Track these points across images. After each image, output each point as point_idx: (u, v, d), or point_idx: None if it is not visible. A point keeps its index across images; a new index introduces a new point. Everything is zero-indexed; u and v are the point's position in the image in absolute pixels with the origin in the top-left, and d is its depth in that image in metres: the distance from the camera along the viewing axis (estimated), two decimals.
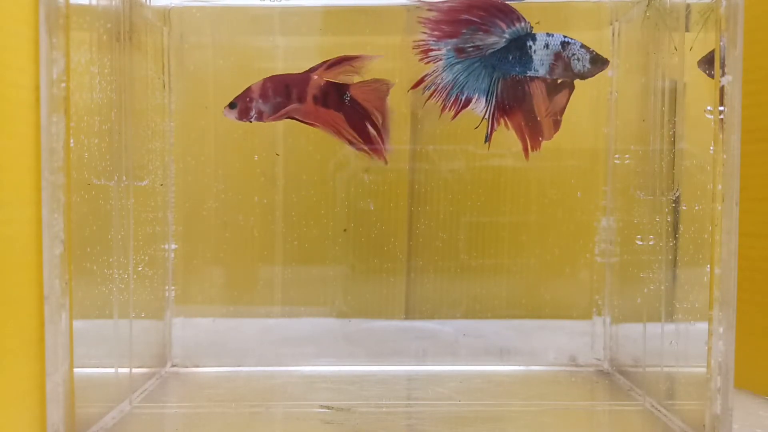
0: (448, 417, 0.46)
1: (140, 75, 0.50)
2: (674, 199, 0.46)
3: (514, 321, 0.59)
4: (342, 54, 0.50)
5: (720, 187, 0.39)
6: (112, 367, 0.47)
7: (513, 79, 0.48)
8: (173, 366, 0.57)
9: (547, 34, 0.48)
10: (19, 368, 0.38)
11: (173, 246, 0.57)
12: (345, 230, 0.56)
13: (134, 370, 0.49)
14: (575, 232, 0.58)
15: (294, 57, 0.57)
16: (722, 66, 0.39)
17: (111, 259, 0.46)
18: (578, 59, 0.49)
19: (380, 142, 0.48)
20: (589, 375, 0.56)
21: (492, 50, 0.47)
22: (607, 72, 0.56)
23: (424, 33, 0.48)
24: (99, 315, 0.45)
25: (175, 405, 0.49)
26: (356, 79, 0.48)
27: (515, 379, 0.55)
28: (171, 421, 0.45)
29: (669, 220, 0.46)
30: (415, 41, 0.48)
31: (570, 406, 0.49)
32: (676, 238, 0.46)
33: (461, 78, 0.48)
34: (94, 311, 0.45)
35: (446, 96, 0.49)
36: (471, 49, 0.47)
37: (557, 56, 0.48)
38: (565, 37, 0.49)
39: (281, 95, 0.47)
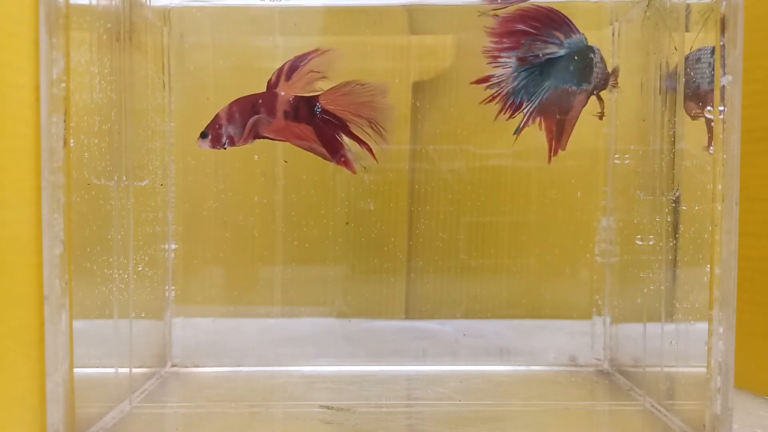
0: (448, 417, 0.46)
1: (140, 75, 0.50)
2: (674, 199, 0.46)
3: (514, 321, 0.59)
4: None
5: (720, 187, 0.39)
6: (112, 367, 0.47)
7: (565, 88, 0.48)
8: (173, 366, 0.57)
9: (594, 46, 0.49)
10: (19, 368, 0.38)
11: (173, 246, 0.57)
12: (347, 223, 0.56)
13: (134, 370, 0.49)
14: (575, 232, 0.58)
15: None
16: (722, 66, 0.39)
17: (111, 259, 0.46)
18: (603, 71, 0.49)
19: (347, 155, 0.46)
20: (589, 375, 0.56)
21: (550, 59, 0.47)
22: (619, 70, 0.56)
23: (492, 44, 0.47)
24: (99, 315, 0.45)
25: (175, 405, 0.49)
26: (326, 84, 0.46)
27: (515, 379, 0.55)
28: (171, 421, 0.45)
29: (669, 220, 0.46)
30: (484, 47, 0.47)
31: (570, 406, 0.49)
32: (676, 238, 0.46)
33: (521, 84, 0.48)
34: (94, 311, 0.45)
35: (508, 101, 0.48)
36: (531, 57, 0.47)
37: (604, 69, 0.49)
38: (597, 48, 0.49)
39: (249, 116, 0.46)
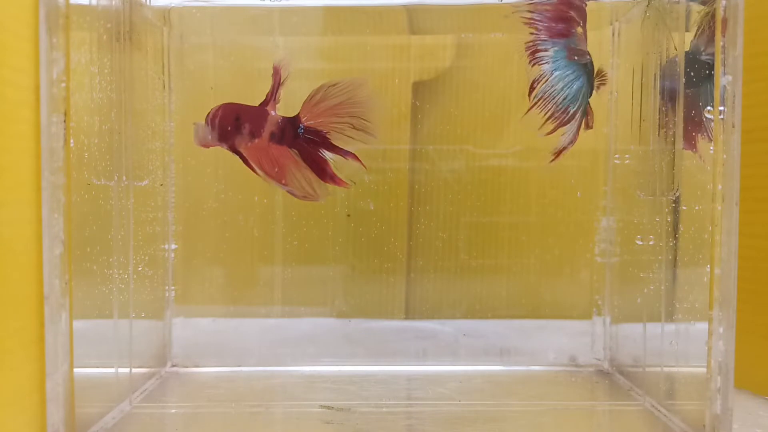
0: (448, 417, 0.46)
1: (140, 75, 0.50)
2: (674, 199, 0.46)
3: (514, 321, 0.59)
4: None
5: (720, 187, 0.39)
6: (112, 367, 0.47)
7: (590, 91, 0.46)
8: (173, 366, 0.57)
9: None
10: (19, 368, 0.37)
11: (173, 246, 0.57)
12: (348, 215, 0.56)
13: (134, 370, 0.49)
14: (575, 232, 0.58)
15: (294, 57, 0.57)
16: (723, 65, 0.39)
17: (111, 259, 0.46)
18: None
19: (334, 172, 0.43)
20: (589, 375, 0.56)
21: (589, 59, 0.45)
22: (608, 72, 0.56)
23: (533, 33, 0.44)
24: (99, 315, 0.45)
25: (175, 405, 0.49)
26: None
27: (515, 379, 0.55)
28: (171, 421, 0.45)
29: (669, 220, 0.46)
30: (526, 42, 0.44)
31: (570, 406, 0.49)
32: (676, 238, 0.46)
33: (568, 86, 0.44)
34: (94, 311, 0.45)
35: (554, 106, 0.44)
36: (581, 51, 0.44)
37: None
38: None
39: (231, 124, 0.44)
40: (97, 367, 0.46)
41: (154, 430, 0.44)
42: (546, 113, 0.44)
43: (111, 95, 0.45)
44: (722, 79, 0.39)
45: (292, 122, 0.44)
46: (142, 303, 0.52)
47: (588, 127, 0.47)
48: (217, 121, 0.44)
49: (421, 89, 0.58)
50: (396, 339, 0.58)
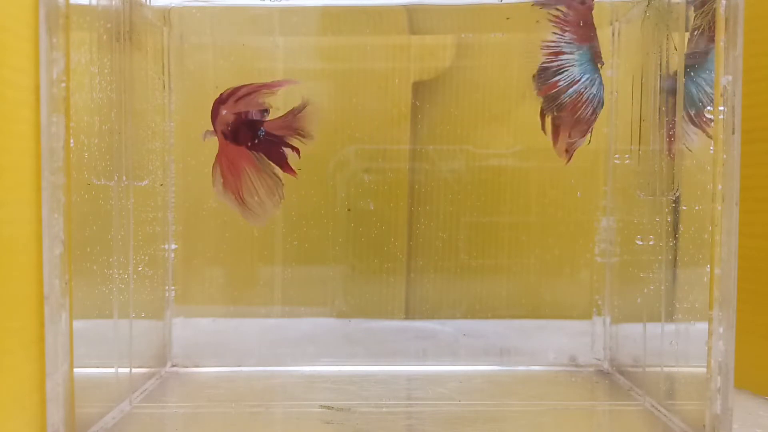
0: (448, 417, 0.46)
1: (140, 75, 0.50)
2: (674, 199, 0.46)
3: (514, 321, 0.59)
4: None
5: (720, 187, 0.39)
6: (112, 367, 0.47)
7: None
8: (173, 366, 0.57)
9: None
10: (19, 368, 0.37)
11: (173, 246, 0.57)
12: (349, 210, 0.56)
13: (134, 370, 0.49)
14: (575, 232, 0.58)
15: (294, 57, 0.57)
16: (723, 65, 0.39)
17: (111, 259, 0.46)
18: None
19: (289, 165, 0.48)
20: (589, 375, 0.56)
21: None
22: (607, 72, 0.56)
23: (556, 33, 0.44)
24: (99, 315, 0.45)
25: (175, 405, 0.49)
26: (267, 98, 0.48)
27: (515, 379, 0.55)
28: (171, 421, 0.45)
29: (669, 220, 0.46)
30: (544, 41, 0.44)
31: (570, 406, 0.49)
32: (676, 238, 0.46)
33: (597, 89, 0.44)
34: (94, 311, 0.45)
35: (588, 108, 0.44)
36: (601, 56, 0.44)
37: None
38: None
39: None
40: (97, 367, 0.46)
41: (154, 430, 0.44)
42: (578, 116, 0.45)
43: (111, 95, 0.45)
44: (722, 79, 0.39)
45: (251, 124, 0.47)
46: (142, 303, 0.52)
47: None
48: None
49: (421, 89, 0.58)
50: (396, 339, 0.58)
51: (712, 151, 0.39)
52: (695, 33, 0.42)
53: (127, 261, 0.48)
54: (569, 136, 0.45)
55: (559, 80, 0.44)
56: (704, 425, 0.40)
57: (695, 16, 0.42)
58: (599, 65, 0.45)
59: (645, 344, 0.50)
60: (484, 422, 0.45)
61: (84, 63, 0.42)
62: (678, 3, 0.45)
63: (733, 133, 0.39)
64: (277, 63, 0.57)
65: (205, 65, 0.56)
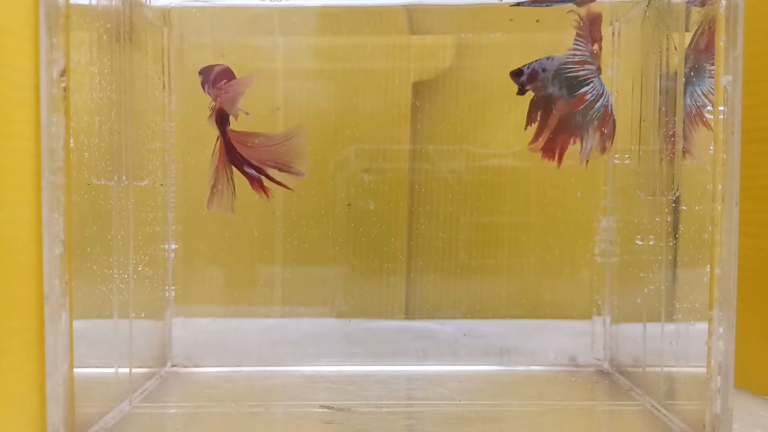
0: (448, 417, 0.46)
1: (140, 75, 0.50)
2: (674, 199, 0.46)
3: (514, 321, 0.59)
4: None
5: (720, 187, 0.39)
6: (112, 367, 0.47)
7: None
8: (173, 366, 0.57)
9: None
10: (19, 368, 0.37)
11: (173, 246, 0.57)
12: (349, 204, 0.56)
13: (134, 370, 0.49)
14: (575, 232, 0.58)
15: (294, 57, 0.57)
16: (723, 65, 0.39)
17: (111, 259, 0.46)
18: None
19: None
20: (589, 375, 0.56)
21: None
22: (607, 72, 0.56)
23: (579, 35, 0.45)
24: (99, 315, 0.45)
25: (175, 405, 0.49)
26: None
27: (515, 379, 0.55)
28: (171, 421, 0.45)
29: (669, 220, 0.46)
30: (570, 51, 0.45)
31: (570, 406, 0.49)
32: (676, 238, 0.46)
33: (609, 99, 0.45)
34: (94, 311, 0.45)
35: (612, 119, 0.45)
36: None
37: None
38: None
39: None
40: (97, 367, 0.46)
41: (154, 430, 0.44)
42: (607, 128, 0.46)
43: (111, 95, 0.45)
44: (722, 79, 0.39)
45: (223, 114, 0.48)
46: (142, 303, 0.52)
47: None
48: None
49: (421, 89, 0.58)
50: (396, 339, 0.58)
51: (712, 151, 0.39)
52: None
53: (127, 261, 0.48)
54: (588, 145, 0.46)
55: (586, 92, 0.45)
56: (704, 425, 0.40)
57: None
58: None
59: (645, 344, 0.50)
60: (484, 422, 0.45)
61: (84, 63, 0.42)
62: (678, 3, 0.45)
63: (733, 133, 0.39)
64: (277, 63, 0.57)
65: (205, 65, 0.56)
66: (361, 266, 0.58)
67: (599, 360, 0.58)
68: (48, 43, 0.37)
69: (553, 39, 0.52)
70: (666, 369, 0.47)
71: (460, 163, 0.57)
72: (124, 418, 0.45)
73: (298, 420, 0.45)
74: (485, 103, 0.58)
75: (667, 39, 0.47)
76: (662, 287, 0.47)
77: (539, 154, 0.47)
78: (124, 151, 0.47)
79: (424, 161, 0.57)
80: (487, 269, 0.58)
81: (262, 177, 0.47)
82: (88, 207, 0.43)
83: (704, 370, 0.40)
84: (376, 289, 0.59)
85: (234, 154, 0.46)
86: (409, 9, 0.55)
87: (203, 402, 0.49)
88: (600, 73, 0.45)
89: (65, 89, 0.38)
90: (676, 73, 0.45)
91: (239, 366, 0.57)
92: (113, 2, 0.45)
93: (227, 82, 0.47)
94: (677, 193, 0.46)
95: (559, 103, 0.45)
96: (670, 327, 0.47)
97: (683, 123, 0.43)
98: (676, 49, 0.46)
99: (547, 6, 0.47)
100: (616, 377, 0.55)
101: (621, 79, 0.55)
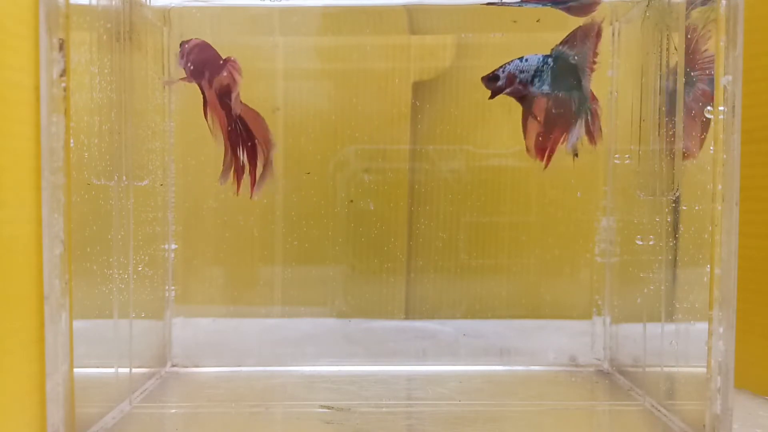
0: (448, 417, 0.46)
1: (140, 75, 0.50)
2: (674, 199, 0.46)
3: (514, 321, 0.59)
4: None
5: (720, 187, 0.39)
6: (112, 367, 0.47)
7: None
8: (173, 366, 0.57)
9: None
10: (19, 368, 0.37)
11: (173, 246, 0.57)
12: (351, 201, 0.56)
13: (134, 370, 0.49)
14: (575, 232, 0.58)
15: (294, 57, 0.57)
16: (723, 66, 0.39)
17: (111, 259, 0.46)
18: None
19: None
20: (589, 375, 0.56)
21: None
22: (607, 72, 0.56)
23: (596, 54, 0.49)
24: (99, 315, 0.45)
25: (175, 405, 0.49)
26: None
27: (515, 379, 0.55)
28: (171, 421, 0.45)
29: (669, 220, 0.46)
30: (595, 59, 0.49)
31: (570, 406, 0.49)
32: (676, 238, 0.46)
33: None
34: (94, 311, 0.45)
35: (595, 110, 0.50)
36: None
37: None
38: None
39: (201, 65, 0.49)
40: (97, 367, 0.46)
41: (154, 430, 0.44)
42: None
43: (111, 95, 0.45)
44: (722, 79, 0.39)
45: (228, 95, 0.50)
46: (142, 303, 0.52)
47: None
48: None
49: (421, 89, 0.58)
50: (396, 339, 0.58)
51: (712, 151, 0.39)
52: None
53: (127, 261, 0.48)
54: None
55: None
56: (704, 425, 0.40)
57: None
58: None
59: (645, 344, 0.50)
60: (484, 422, 0.45)
61: (84, 63, 0.42)
62: (678, 3, 0.45)
63: (733, 133, 0.39)
64: (277, 63, 0.57)
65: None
66: (361, 266, 0.58)
67: (599, 360, 0.58)
68: (48, 43, 0.37)
69: (553, 39, 0.52)
70: (666, 369, 0.47)
71: (460, 163, 0.57)
72: (124, 418, 0.45)
73: (298, 420, 0.45)
74: (485, 103, 0.58)
75: (667, 39, 0.47)
76: (662, 287, 0.47)
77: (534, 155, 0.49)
78: (124, 151, 0.47)
79: (424, 161, 0.57)
80: (487, 269, 0.58)
81: (248, 165, 0.49)
82: (88, 207, 0.43)
83: (704, 370, 0.40)
84: (376, 289, 0.59)
85: (236, 133, 0.47)
86: (409, 9, 0.55)
87: (203, 402, 0.49)
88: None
89: (65, 89, 0.38)
90: (676, 72, 0.45)
91: (239, 366, 0.57)
92: (113, 2, 0.45)
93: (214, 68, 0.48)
94: (677, 193, 0.46)
95: (539, 100, 0.47)
96: (670, 327, 0.47)
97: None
98: (676, 49, 0.46)
99: (535, 6, 0.49)
100: (616, 377, 0.55)
101: (621, 79, 0.55)
